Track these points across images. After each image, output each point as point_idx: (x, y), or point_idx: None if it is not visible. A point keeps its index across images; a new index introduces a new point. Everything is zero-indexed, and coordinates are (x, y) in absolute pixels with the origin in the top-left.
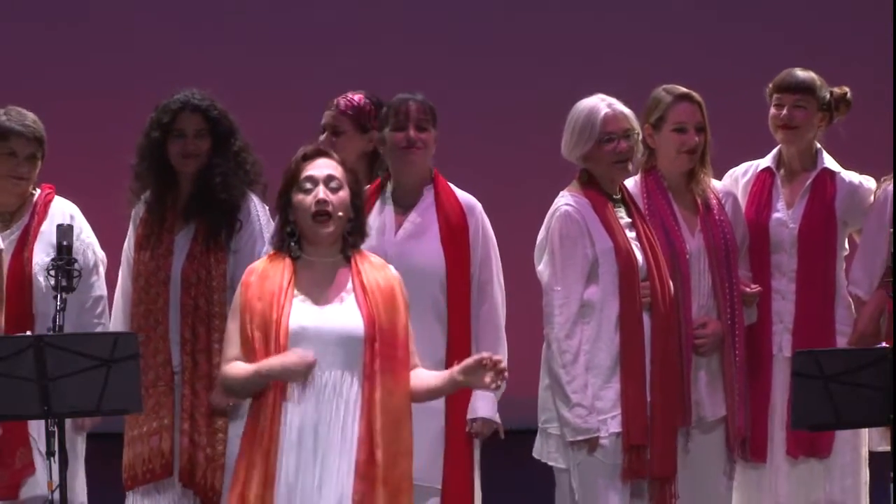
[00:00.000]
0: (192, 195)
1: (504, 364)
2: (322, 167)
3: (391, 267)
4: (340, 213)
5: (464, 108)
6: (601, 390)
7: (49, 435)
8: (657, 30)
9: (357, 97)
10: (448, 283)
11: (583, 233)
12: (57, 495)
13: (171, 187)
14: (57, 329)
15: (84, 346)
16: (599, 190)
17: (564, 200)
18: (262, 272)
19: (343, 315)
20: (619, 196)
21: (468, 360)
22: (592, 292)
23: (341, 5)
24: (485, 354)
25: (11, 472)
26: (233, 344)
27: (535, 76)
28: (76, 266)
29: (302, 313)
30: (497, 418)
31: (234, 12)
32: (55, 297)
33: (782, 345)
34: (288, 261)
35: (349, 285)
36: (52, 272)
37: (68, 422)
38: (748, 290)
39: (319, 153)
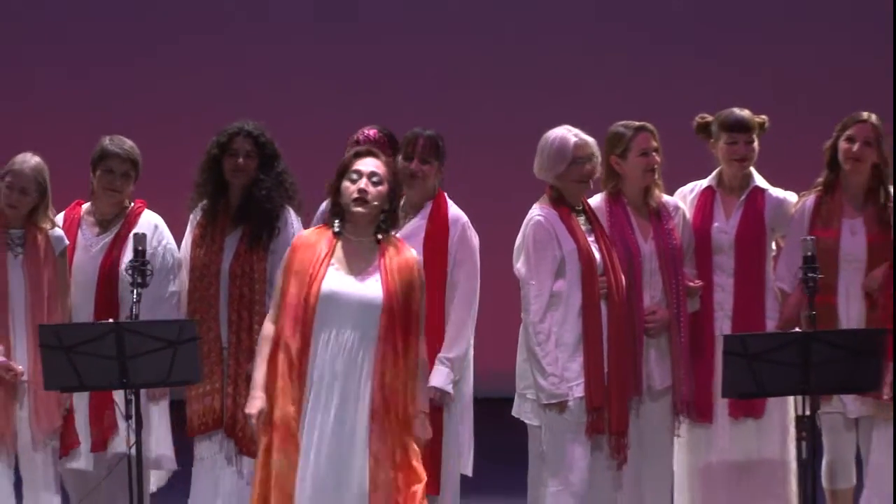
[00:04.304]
0: (240, 204)
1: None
2: (368, 164)
3: (412, 250)
4: (376, 203)
5: (467, 136)
6: (567, 363)
7: (127, 402)
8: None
9: (371, 132)
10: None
11: (551, 238)
12: (133, 451)
13: (223, 196)
14: (133, 317)
15: (155, 331)
16: (565, 203)
17: (536, 212)
18: (308, 240)
19: (367, 287)
20: (580, 207)
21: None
22: (560, 285)
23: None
24: None
25: (100, 430)
26: (275, 303)
27: (529, 108)
28: (149, 267)
29: (334, 280)
30: (450, 388)
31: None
32: (132, 292)
33: (723, 328)
34: (331, 235)
35: (375, 263)
36: (130, 272)
37: (143, 396)
38: (692, 284)
39: (369, 153)
